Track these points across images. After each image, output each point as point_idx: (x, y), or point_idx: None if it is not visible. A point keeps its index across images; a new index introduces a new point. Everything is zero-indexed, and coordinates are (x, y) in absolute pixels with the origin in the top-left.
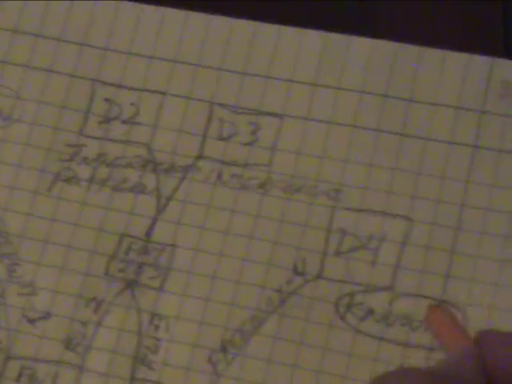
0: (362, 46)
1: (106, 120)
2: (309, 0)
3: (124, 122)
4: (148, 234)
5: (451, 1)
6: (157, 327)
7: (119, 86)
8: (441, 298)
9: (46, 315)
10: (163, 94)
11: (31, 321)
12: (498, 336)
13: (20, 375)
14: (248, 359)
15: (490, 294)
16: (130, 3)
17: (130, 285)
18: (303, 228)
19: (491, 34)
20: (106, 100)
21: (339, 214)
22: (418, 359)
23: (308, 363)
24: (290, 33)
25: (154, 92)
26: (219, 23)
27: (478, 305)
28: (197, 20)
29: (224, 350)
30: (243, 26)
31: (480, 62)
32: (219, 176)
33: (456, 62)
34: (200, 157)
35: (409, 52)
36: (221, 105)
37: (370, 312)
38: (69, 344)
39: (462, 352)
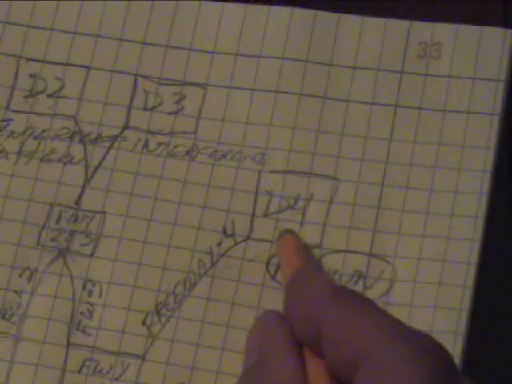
0: (281, 14)
1: (32, 94)
2: (308, 1)
3: (49, 95)
4: (77, 202)
5: (451, 1)
6: (90, 293)
7: (43, 62)
8: (369, 252)
9: None
10: (87, 68)
11: None
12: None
13: None
14: (182, 321)
15: (416, 245)
16: None
17: (62, 253)
18: (231, 192)
19: None
20: (31, 75)
21: (265, 176)
22: None
23: (241, 322)
24: (210, 6)
25: (78, 66)
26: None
27: (406, 257)
28: None
29: (158, 312)
30: (165, 2)
31: (397, 24)
32: (145, 145)
33: (374, 26)
34: (126, 127)
35: (328, 18)
36: (145, 77)
37: None
38: (4, 314)
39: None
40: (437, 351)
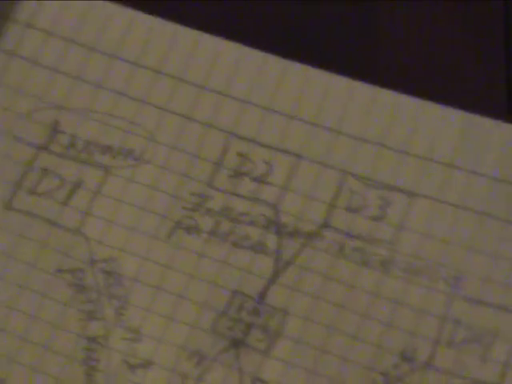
0: (503, 133)
1: (237, 174)
2: (308, 1)
3: (254, 179)
4: (261, 295)
5: (451, 1)
6: None
7: (254, 142)
8: None
9: (148, 363)
10: (298, 156)
11: (132, 367)
12: None
13: None
14: None
15: None
16: (274, 58)
17: (236, 344)
18: (418, 312)
19: (491, 33)
20: (240, 155)
21: (456, 302)
22: None
23: None
24: (430, 108)
25: (289, 153)
26: (363, 90)
27: None
28: (339, 84)
29: None
30: (386, 96)
31: None
32: (341, 248)
33: None
34: (325, 225)
35: None
36: (354, 175)
37: None
38: None
39: None
40: None
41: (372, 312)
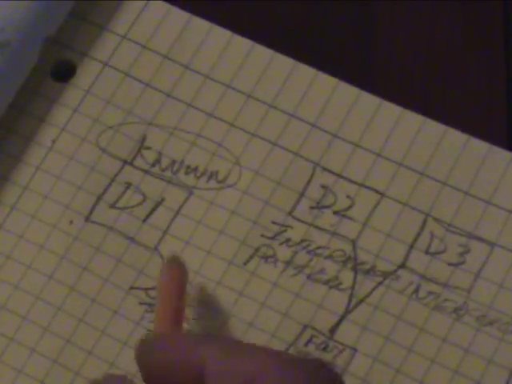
0: None
1: (318, 206)
2: (308, 1)
3: (336, 212)
4: (332, 330)
5: (451, 1)
6: None
7: (339, 176)
8: None
9: None
10: (382, 194)
11: None
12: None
13: None
14: None
15: None
16: (367, 95)
17: None
18: (487, 363)
19: (491, 33)
20: (323, 187)
21: None
22: None
23: None
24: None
25: (373, 190)
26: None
27: None
28: (432, 128)
29: None
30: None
31: None
32: (416, 290)
33: None
34: (402, 266)
35: None
36: (436, 219)
37: None
38: None
39: None
40: (325, 372)
41: (440, 358)
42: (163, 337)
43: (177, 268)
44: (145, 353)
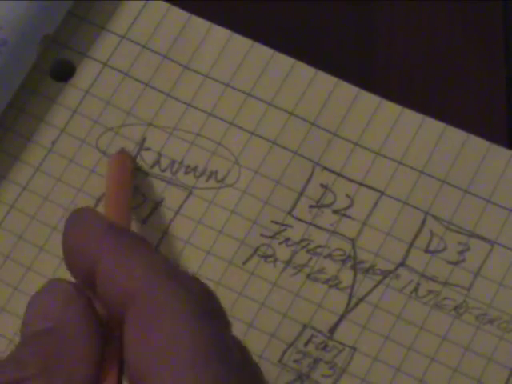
0: None
1: (318, 205)
2: (308, 1)
3: (335, 211)
4: (332, 330)
5: (451, 1)
6: None
7: (339, 175)
8: None
9: None
10: (381, 193)
11: None
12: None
13: None
14: None
15: None
16: (368, 95)
17: (302, 378)
18: (486, 361)
19: (491, 34)
20: (323, 186)
21: None
22: None
23: None
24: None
25: (372, 189)
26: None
27: None
28: (432, 126)
29: None
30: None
31: None
32: (416, 288)
33: None
34: (402, 264)
35: None
36: (435, 218)
37: None
38: None
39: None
40: (205, 293)
41: (440, 356)
42: (80, 217)
43: (124, 154)
44: (65, 225)
